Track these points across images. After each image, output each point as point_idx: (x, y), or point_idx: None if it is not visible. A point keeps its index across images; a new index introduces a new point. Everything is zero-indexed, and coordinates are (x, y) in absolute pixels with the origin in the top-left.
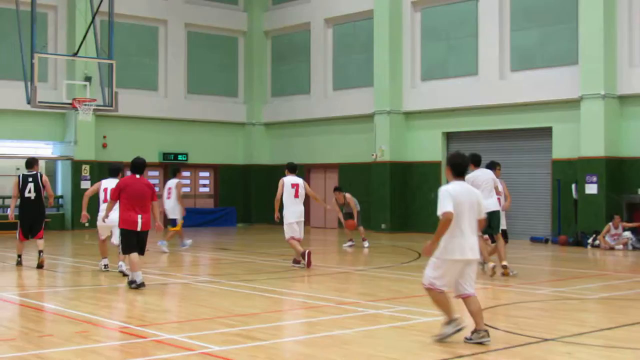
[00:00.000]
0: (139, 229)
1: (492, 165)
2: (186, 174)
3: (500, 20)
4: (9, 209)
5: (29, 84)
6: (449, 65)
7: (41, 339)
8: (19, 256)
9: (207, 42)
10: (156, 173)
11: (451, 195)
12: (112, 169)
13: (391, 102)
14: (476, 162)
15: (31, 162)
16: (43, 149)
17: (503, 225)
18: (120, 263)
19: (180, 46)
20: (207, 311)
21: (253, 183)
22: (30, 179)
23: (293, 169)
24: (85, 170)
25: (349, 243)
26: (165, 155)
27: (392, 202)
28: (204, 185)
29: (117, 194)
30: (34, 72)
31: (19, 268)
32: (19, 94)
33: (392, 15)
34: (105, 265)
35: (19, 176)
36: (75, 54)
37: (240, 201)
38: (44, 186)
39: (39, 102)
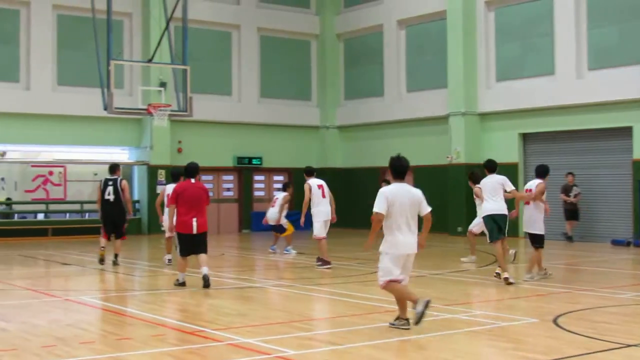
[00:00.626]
0: (194, 231)
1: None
2: (260, 177)
3: (576, 18)
4: (87, 214)
5: (105, 90)
6: (524, 65)
7: (119, 342)
8: (102, 247)
9: (280, 46)
10: (230, 177)
11: (386, 196)
12: (174, 174)
13: (466, 103)
14: (490, 167)
15: (113, 168)
16: (119, 155)
17: (533, 229)
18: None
19: (252, 50)
20: (282, 315)
21: (328, 186)
22: (111, 183)
23: (311, 172)
24: (161, 175)
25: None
26: (240, 159)
27: (468, 205)
28: (278, 189)
29: (174, 199)
30: (110, 78)
31: (101, 268)
32: (96, 100)
33: (465, 16)
34: (169, 260)
35: (101, 180)
36: (150, 60)
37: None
38: (122, 190)
39: (116, 108)
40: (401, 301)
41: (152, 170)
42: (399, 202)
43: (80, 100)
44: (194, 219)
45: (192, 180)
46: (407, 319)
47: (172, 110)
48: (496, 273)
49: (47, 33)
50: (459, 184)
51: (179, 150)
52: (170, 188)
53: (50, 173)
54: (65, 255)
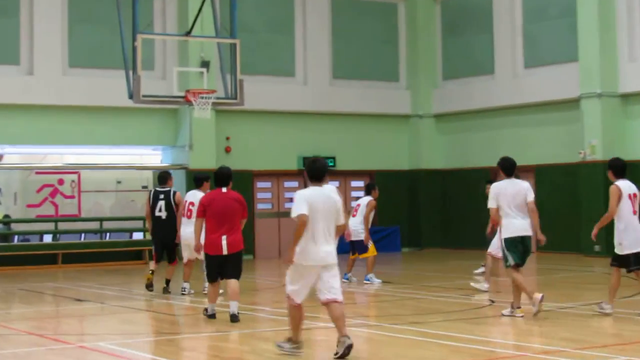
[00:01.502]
0: (224, 252)
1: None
2: (333, 183)
3: None
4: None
5: (130, 73)
6: None
7: None
8: (151, 271)
9: (358, 12)
10: (295, 184)
11: (305, 199)
12: (198, 179)
13: (603, 81)
14: (507, 168)
15: (164, 177)
16: (150, 157)
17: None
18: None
19: (323, 18)
20: None
21: (422, 194)
22: (162, 196)
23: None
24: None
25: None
26: (307, 161)
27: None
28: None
29: (202, 212)
30: (136, 58)
31: (148, 292)
32: (119, 86)
33: None
34: (183, 289)
35: (150, 192)
36: (188, 34)
37: (405, 218)
38: (176, 205)
39: (144, 96)
40: (293, 324)
41: (193, 176)
42: (321, 208)
43: (98, 86)
44: (223, 237)
45: (224, 189)
46: (299, 343)
47: (217, 98)
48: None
49: (55, 1)
50: (596, 188)
51: (227, 150)
52: (192, 196)
53: (60, 182)
54: (79, 288)
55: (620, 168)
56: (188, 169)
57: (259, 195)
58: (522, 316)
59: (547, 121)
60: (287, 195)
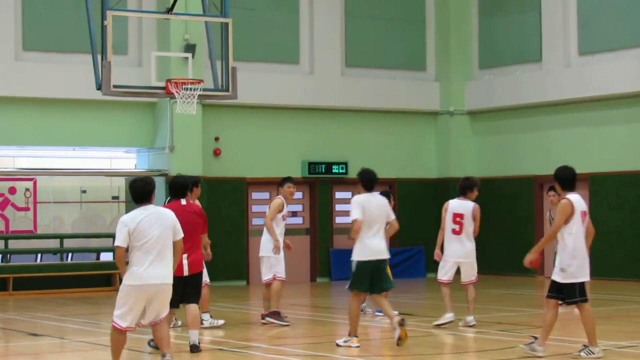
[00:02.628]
0: (185, 273)
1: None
2: (344, 195)
3: None
4: (69, 255)
5: (98, 58)
6: None
7: None
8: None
9: None
10: (299, 195)
11: (125, 224)
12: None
13: None
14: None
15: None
16: (122, 161)
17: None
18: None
19: None
20: None
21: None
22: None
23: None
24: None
25: None
26: (313, 166)
27: None
28: None
29: None
30: (106, 40)
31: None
32: (84, 74)
33: None
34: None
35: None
36: (169, 11)
37: (432, 237)
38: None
39: (115, 86)
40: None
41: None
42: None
43: (59, 74)
44: (185, 256)
45: (183, 202)
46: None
47: (204, 90)
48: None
49: None
50: None
51: (216, 153)
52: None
53: (12, 190)
54: (34, 320)
55: (569, 179)
56: (168, 175)
57: (254, 208)
58: (358, 346)
59: (606, 120)
60: (289, 208)
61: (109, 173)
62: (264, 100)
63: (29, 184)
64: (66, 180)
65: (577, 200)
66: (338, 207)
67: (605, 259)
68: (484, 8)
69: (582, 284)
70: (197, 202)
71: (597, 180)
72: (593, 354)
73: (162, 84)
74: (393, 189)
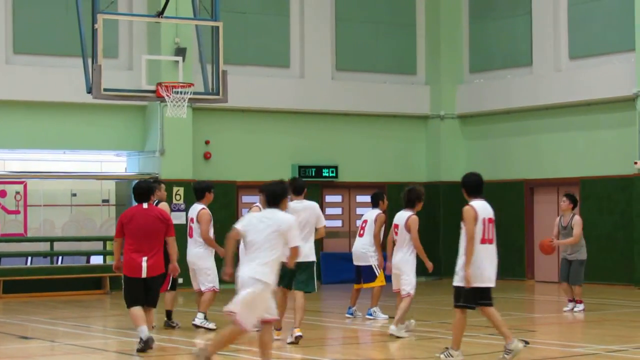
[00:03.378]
0: (144, 275)
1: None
2: (334, 198)
3: None
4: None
5: (89, 62)
6: None
7: None
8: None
9: None
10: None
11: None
12: (199, 189)
13: None
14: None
15: (147, 191)
16: (112, 164)
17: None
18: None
19: None
20: None
21: (443, 211)
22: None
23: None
24: (178, 195)
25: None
26: (303, 170)
27: None
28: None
29: (120, 230)
30: (97, 43)
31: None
32: (75, 78)
33: None
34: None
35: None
36: (160, 14)
37: (422, 241)
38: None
39: (105, 89)
40: None
41: (165, 188)
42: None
43: (51, 77)
44: (144, 259)
45: (145, 205)
46: None
47: (194, 93)
48: None
49: None
50: None
51: (207, 156)
52: (194, 211)
53: (2, 194)
54: (25, 323)
55: (475, 185)
56: (159, 179)
57: (245, 211)
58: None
59: (596, 124)
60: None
61: (100, 176)
62: (254, 103)
63: (20, 187)
64: (56, 184)
65: (480, 206)
66: (328, 211)
67: (596, 262)
68: (474, 12)
69: (473, 290)
70: (202, 207)
71: (588, 184)
72: (452, 357)
73: (153, 88)
74: (384, 195)
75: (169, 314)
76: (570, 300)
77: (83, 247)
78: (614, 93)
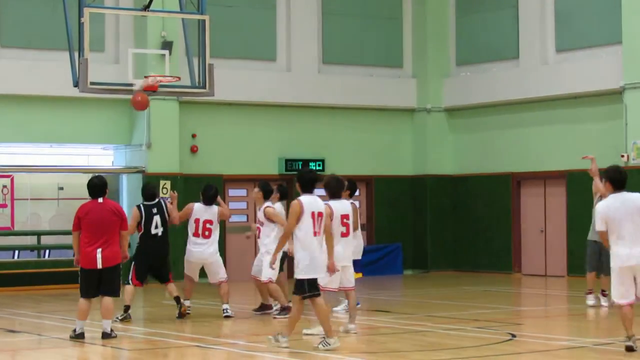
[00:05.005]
0: (99, 266)
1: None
2: (320, 192)
3: None
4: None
5: (75, 55)
6: None
7: None
8: (128, 307)
9: None
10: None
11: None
12: (206, 193)
13: None
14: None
15: (152, 192)
16: (99, 157)
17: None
18: (225, 307)
19: None
20: None
21: (429, 205)
22: (156, 210)
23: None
24: (165, 188)
25: None
26: (289, 163)
27: None
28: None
29: (77, 224)
30: (83, 37)
31: (126, 322)
32: (61, 71)
33: None
34: (225, 310)
35: (139, 207)
36: (146, 8)
37: (409, 234)
38: (169, 215)
39: (92, 83)
40: None
41: (150, 181)
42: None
43: (36, 71)
44: (98, 250)
45: (100, 200)
46: None
47: (181, 86)
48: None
49: None
50: None
51: (193, 150)
52: (201, 211)
53: None
54: (12, 317)
55: (309, 181)
56: (145, 172)
57: (231, 205)
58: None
59: (582, 117)
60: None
61: (86, 170)
62: (241, 97)
63: (7, 181)
64: (43, 177)
65: (308, 201)
66: None
67: (583, 256)
68: (461, 5)
69: (313, 280)
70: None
71: (574, 177)
72: (329, 345)
73: (140, 81)
74: (370, 186)
75: (177, 298)
76: (590, 293)
77: (70, 241)
78: (601, 86)
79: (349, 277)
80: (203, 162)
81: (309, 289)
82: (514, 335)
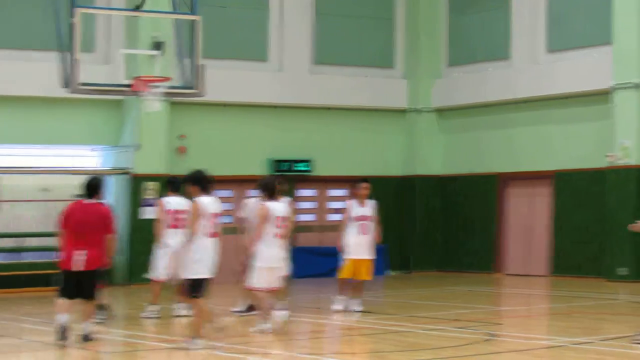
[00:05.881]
0: (81, 268)
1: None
2: (308, 192)
3: None
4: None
5: (66, 56)
6: None
7: None
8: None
9: None
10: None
11: None
12: (173, 182)
13: None
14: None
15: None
16: (86, 159)
17: None
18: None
19: None
20: None
21: (418, 205)
22: None
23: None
24: (152, 189)
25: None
26: (278, 164)
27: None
28: (337, 211)
29: (62, 223)
30: (74, 37)
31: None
32: (50, 72)
33: None
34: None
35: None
36: (137, 8)
37: (395, 235)
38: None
39: (81, 84)
40: None
41: (138, 183)
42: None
43: (26, 71)
44: (82, 252)
45: (85, 201)
46: None
47: (171, 87)
48: None
49: None
50: (627, 199)
51: (181, 150)
52: (168, 203)
53: None
54: None
55: (207, 182)
56: (132, 174)
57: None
58: None
59: (571, 117)
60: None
61: (72, 171)
62: (231, 98)
63: None
64: (27, 179)
65: (206, 202)
66: (303, 205)
67: (569, 256)
68: (453, 6)
69: (199, 280)
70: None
71: (563, 177)
72: (198, 345)
73: (129, 82)
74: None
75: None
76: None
77: (52, 244)
78: (591, 86)
79: (279, 278)
80: (191, 163)
81: (192, 289)
82: (493, 335)
